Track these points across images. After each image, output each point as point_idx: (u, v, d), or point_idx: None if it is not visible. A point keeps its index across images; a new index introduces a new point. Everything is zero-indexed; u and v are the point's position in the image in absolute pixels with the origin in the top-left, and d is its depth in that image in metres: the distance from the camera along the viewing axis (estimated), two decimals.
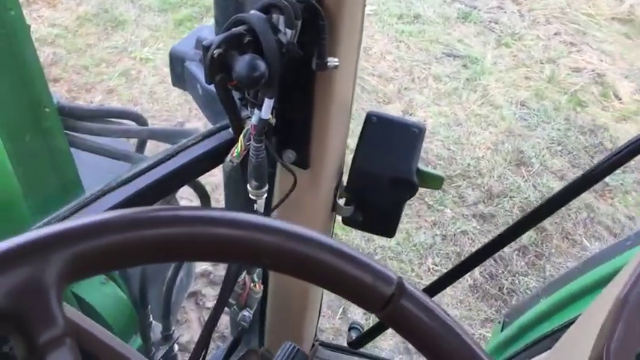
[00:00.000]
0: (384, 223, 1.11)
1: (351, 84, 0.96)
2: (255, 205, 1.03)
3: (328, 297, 3.04)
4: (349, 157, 1.05)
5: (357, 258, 0.38)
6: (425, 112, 3.73)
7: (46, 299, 0.28)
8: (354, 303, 0.39)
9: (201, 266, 3.03)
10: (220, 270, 2.90)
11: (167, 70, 3.90)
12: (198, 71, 1.08)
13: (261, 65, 0.73)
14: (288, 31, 0.77)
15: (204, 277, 3.07)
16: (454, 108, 3.77)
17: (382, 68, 4.03)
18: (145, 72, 3.90)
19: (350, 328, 1.36)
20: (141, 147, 1.23)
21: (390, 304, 0.39)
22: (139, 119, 1.20)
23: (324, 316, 2.87)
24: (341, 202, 1.10)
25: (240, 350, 1.36)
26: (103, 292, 1.26)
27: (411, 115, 3.70)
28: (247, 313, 1.08)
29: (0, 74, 0.98)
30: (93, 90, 3.80)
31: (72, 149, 1.13)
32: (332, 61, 0.82)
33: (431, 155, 3.45)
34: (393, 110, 3.72)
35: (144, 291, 1.38)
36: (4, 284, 0.27)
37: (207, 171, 0.95)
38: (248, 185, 0.89)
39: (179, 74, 1.14)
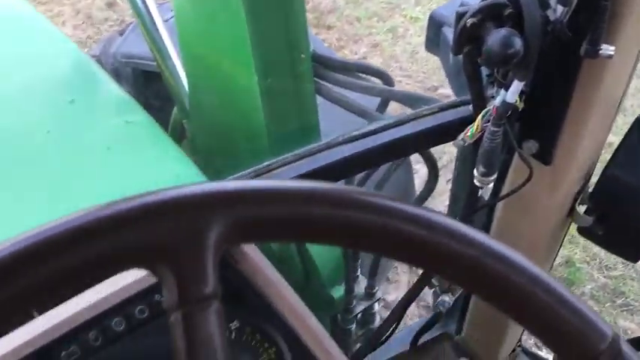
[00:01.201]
0: (629, 244, 0.95)
1: (626, 78, 0.81)
2: (479, 192, 0.96)
3: None
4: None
5: (569, 299, 0.31)
6: None
7: (203, 258, 0.28)
8: (550, 348, 0.32)
9: None
10: None
11: None
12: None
13: (517, 42, 0.65)
14: (560, 8, 0.67)
15: None
16: None
17: None
18: (411, 31, 3.91)
19: None
20: (383, 107, 1.22)
21: None
22: (387, 79, 1.19)
23: None
24: (581, 209, 0.96)
25: (436, 330, 1.32)
26: None
27: None
28: (447, 299, 1.03)
29: (267, 16, 1.04)
30: (359, 42, 3.94)
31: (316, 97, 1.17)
32: (606, 49, 0.70)
33: None
34: None
35: None
36: (164, 228, 0.27)
37: (437, 145, 0.90)
38: (475, 170, 0.82)
39: (434, 39, 1.09)
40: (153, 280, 0.53)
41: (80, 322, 0.48)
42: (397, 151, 0.86)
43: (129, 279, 0.52)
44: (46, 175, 0.84)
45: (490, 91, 0.85)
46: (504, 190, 0.97)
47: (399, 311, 1.02)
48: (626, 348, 0.32)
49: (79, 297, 0.51)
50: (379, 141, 0.84)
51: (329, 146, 0.82)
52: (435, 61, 3.62)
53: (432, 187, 1.18)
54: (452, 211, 1.17)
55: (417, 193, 1.80)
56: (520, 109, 0.83)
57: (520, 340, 1.29)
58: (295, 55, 1.11)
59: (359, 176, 1.39)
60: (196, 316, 0.27)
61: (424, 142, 0.88)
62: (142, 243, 0.27)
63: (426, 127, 0.85)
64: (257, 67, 1.10)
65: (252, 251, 0.53)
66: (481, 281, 0.32)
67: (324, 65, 1.17)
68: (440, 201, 3.08)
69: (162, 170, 0.87)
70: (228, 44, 1.16)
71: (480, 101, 0.81)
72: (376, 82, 1.22)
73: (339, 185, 0.31)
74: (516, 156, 0.94)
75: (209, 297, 0.28)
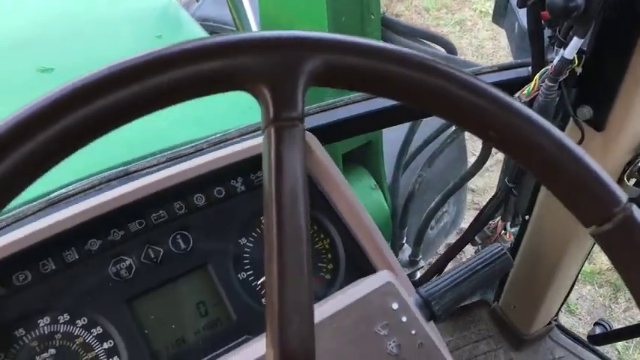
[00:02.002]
0: None
1: None
2: None
3: (592, 303, 2.78)
4: None
5: (590, 164, 0.37)
6: None
7: (295, 83, 0.35)
8: (565, 206, 0.38)
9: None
10: None
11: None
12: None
13: None
14: None
15: None
16: None
17: None
18: (479, 25, 3.90)
19: (596, 323, 1.25)
20: None
21: (607, 224, 0.36)
22: (450, 48, 1.24)
23: (579, 319, 2.65)
24: (630, 182, 0.99)
25: (474, 296, 1.36)
26: (371, 195, 1.37)
27: None
28: None
29: None
30: None
31: None
32: None
33: None
34: None
35: (406, 211, 1.46)
36: (270, 57, 0.34)
37: None
38: None
39: (501, 9, 1.13)
40: (229, 163, 0.60)
41: (167, 186, 0.57)
42: None
43: (209, 160, 0.60)
44: None
45: (550, 56, 0.89)
46: None
47: (440, 263, 1.07)
48: (638, 214, 0.37)
49: (166, 170, 0.59)
50: None
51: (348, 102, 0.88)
52: (501, 57, 3.60)
53: (486, 154, 1.22)
54: (504, 174, 1.21)
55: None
56: (578, 74, 0.87)
57: (557, 315, 1.32)
58: (365, 15, 1.17)
59: (412, 149, 1.45)
60: (286, 131, 0.34)
61: None
62: (251, 66, 0.34)
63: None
64: (329, 25, 1.16)
65: (317, 148, 0.60)
66: (517, 144, 0.38)
67: (392, 29, 1.22)
68: None
69: (236, 102, 0.95)
70: (303, 3, 1.24)
71: (539, 60, 0.86)
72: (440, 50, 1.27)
73: (431, 56, 0.38)
74: (569, 123, 0.97)
75: (297, 119, 0.35)
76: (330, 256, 0.60)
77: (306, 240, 0.35)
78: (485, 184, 2.93)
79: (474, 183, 2.92)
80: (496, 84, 0.92)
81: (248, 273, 0.58)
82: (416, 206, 1.52)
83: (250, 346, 0.48)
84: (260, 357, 0.44)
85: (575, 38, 0.76)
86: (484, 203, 2.90)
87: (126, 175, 0.76)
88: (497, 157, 2.79)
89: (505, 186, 1.03)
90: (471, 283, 0.51)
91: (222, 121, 0.85)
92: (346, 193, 0.60)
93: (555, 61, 0.81)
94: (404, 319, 0.47)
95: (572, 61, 0.80)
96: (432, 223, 1.67)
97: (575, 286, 2.46)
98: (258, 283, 0.58)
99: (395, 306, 0.48)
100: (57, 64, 1.00)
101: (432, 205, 1.42)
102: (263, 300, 0.58)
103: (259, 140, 0.62)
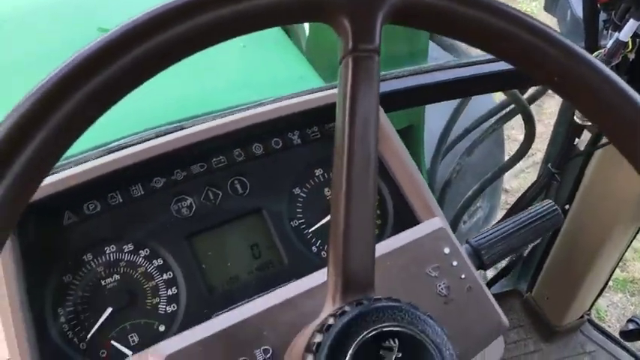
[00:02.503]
0: None
1: None
2: (576, 141, 1.00)
3: (623, 311, 2.74)
4: None
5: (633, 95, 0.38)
6: None
7: (374, 16, 0.36)
8: (621, 152, 0.39)
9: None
10: None
11: None
12: None
13: None
14: None
15: None
16: None
17: None
18: None
19: (629, 320, 1.24)
20: None
21: None
22: None
23: (609, 326, 2.62)
24: None
25: (506, 285, 1.37)
26: None
27: None
28: None
29: None
30: None
31: None
32: None
33: None
34: None
35: (442, 198, 1.47)
36: None
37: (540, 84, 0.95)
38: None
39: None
40: (286, 114, 0.63)
41: (228, 131, 0.60)
42: (501, 82, 0.92)
43: (268, 109, 0.62)
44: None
45: (603, 42, 0.89)
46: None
47: None
48: None
49: (227, 117, 0.62)
50: (483, 70, 0.89)
51: (440, 67, 0.89)
52: None
53: (528, 146, 1.22)
54: (546, 161, 1.21)
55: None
56: (630, 60, 0.87)
57: (590, 309, 1.32)
58: None
59: (452, 137, 1.46)
60: (363, 61, 0.36)
61: (521, 81, 0.93)
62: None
63: None
64: None
65: None
66: (580, 90, 0.39)
67: None
68: None
69: (287, 70, 0.98)
70: None
71: (592, 43, 0.86)
72: None
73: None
74: None
75: (374, 50, 0.37)
76: (378, 211, 0.62)
77: (374, 168, 0.37)
78: (520, 184, 2.91)
79: (509, 183, 2.90)
80: None
81: (300, 221, 0.60)
82: (451, 196, 1.53)
83: (302, 280, 0.50)
84: (314, 287, 0.46)
85: (631, 20, 0.77)
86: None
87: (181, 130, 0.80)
88: (534, 158, 2.77)
89: (548, 171, 1.03)
90: (521, 237, 0.52)
91: (274, 89, 0.88)
92: (398, 149, 0.61)
93: (609, 44, 0.81)
94: (454, 263, 0.49)
95: (626, 45, 0.80)
96: (465, 217, 1.67)
97: (607, 293, 2.43)
98: (311, 230, 0.60)
99: (446, 250, 0.49)
100: (116, 24, 1.03)
101: (470, 193, 1.42)
102: (314, 248, 0.60)
103: (316, 95, 0.64)
